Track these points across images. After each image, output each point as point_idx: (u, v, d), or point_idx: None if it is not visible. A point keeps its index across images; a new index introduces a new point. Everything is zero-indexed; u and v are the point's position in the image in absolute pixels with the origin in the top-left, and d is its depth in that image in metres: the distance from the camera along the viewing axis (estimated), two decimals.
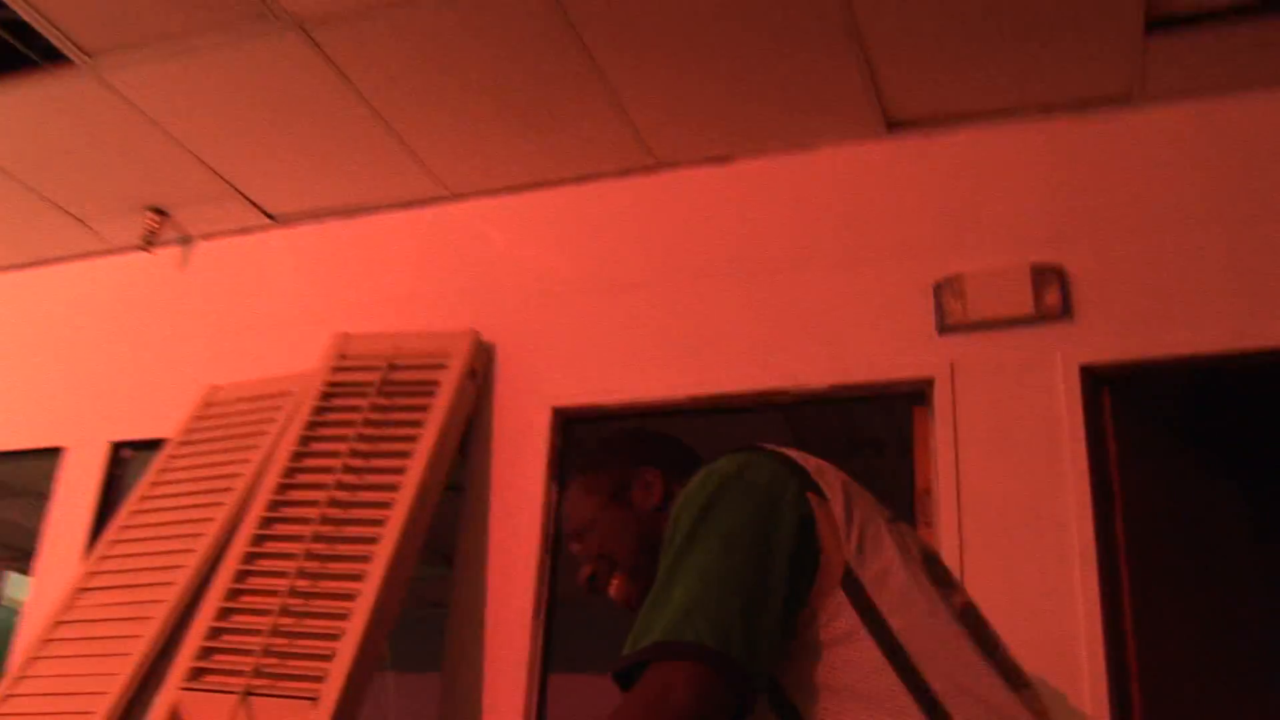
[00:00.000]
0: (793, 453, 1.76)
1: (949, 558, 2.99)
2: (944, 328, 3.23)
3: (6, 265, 4.72)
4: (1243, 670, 3.18)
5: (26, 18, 3.28)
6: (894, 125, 3.47)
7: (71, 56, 3.43)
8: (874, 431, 4.24)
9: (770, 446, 1.79)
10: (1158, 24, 3.04)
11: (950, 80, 3.29)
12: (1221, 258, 3.07)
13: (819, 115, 3.47)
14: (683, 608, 1.51)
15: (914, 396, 3.29)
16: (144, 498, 3.70)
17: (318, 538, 3.22)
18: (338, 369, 3.62)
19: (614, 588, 1.99)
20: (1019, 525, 3.00)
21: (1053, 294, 3.15)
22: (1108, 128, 3.30)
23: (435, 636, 3.48)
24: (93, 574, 3.57)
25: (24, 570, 4.65)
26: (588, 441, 3.56)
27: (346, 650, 2.96)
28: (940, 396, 3.18)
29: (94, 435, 4.18)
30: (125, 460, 4.15)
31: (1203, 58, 3.13)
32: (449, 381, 3.46)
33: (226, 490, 3.53)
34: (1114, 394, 3.11)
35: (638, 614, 1.58)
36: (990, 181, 3.36)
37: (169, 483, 3.71)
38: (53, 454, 4.23)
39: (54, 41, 3.37)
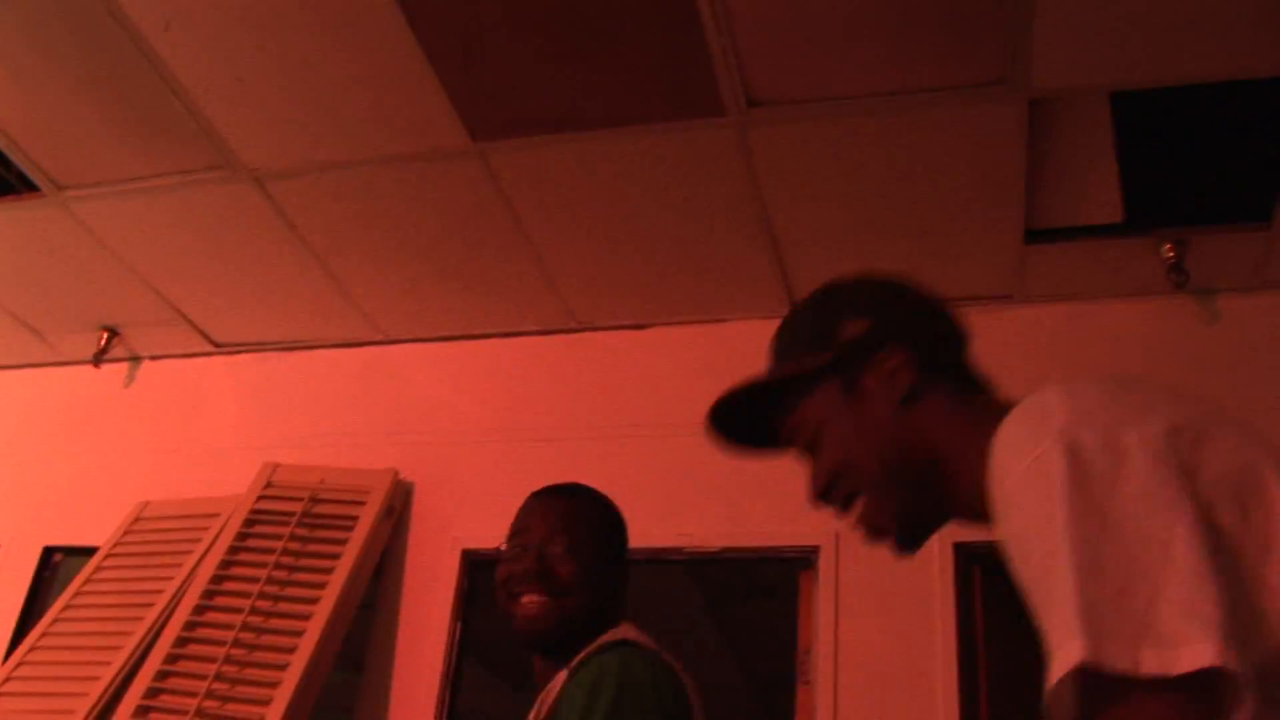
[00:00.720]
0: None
1: (824, 712, 3.13)
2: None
3: None
4: None
5: (3, 148, 3.45)
6: None
7: (41, 186, 3.60)
8: (768, 581, 4.38)
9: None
10: (1035, 234, 3.28)
11: (850, 267, 3.44)
12: None
13: (730, 292, 3.66)
14: None
15: (801, 561, 3.43)
16: (68, 605, 3.77)
17: (230, 659, 3.31)
18: (264, 496, 3.74)
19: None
20: (891, 684, 3.15)
21: None
22: (991, 322, 3.49)
23: (348, 698, 3.58)
24: (9, 678, 3.63)
25: None
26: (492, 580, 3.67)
27: None
28: (825, 563, 3.34)
29: (28, 536, 4.25)
30: (56, 564, 4.22)
31: (1075, 266, 3.39)
32: (367, 517, 3.59)
33: (149, 605, 3.62)
34: (983, 570, 3.28)
35: None
36: None
37: (95, 591, 3.79)
38: None
39: (26, 171, 3.54)
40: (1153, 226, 3.25)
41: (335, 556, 3.49)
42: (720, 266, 3.57)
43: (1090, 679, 0.88)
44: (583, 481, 3.58)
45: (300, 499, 3.67)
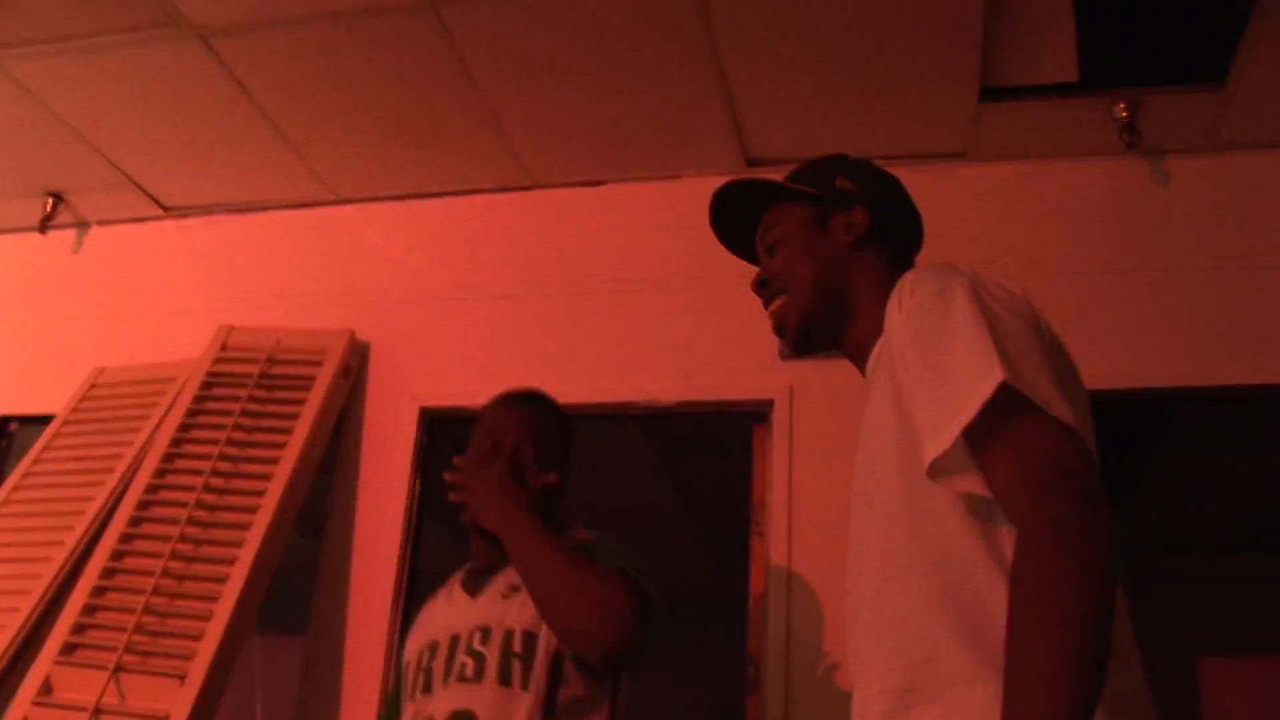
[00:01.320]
0: None
1: (777, 560, 3.18)
2: (784, 354, 3.38)
3: None
4: None
5: None
6: (753, 162, 3.64)
7: None
8: (721, 435, 4.41)
9: None
10: (991, 92, 3.25)
11: (806, 125, 3.47)
12: (1040, 303, 3.25)
13: (685, 148, 3.62)
14: None
15: (755, 415, 3.45)
16: (27, 474, 3.74)
17: (192, 521, 3.30)
18: (220, 360, 3.69)
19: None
20: (843, 532, 3.16)
21: None
22: (943, 180, 3.50)
23: (302, 600, 3.59)
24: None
25: None
26: (452, 437, 3.69)
27: (215, 631, 3.06)
28: (779, 417, 3.35)
29: None
30: (11, 434, 4.18)
31: (1029, 125, 3.36)
32: (324, 377, 3.56)
33: (108, 470, 3.60)
34: None
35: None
36: None
37: (53, 460, 3.76)
38: None
39: None
40: (1107, 86, 3.22)
41: (293, 417, 3.47)
42: (676, 122, 3.51)
43: (1003, 402, 1.26)
44: (536, 337, 3.60)
45: (256, 361, 3.63)
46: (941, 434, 1.31)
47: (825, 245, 1.74)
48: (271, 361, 3.63)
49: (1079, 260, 3.33)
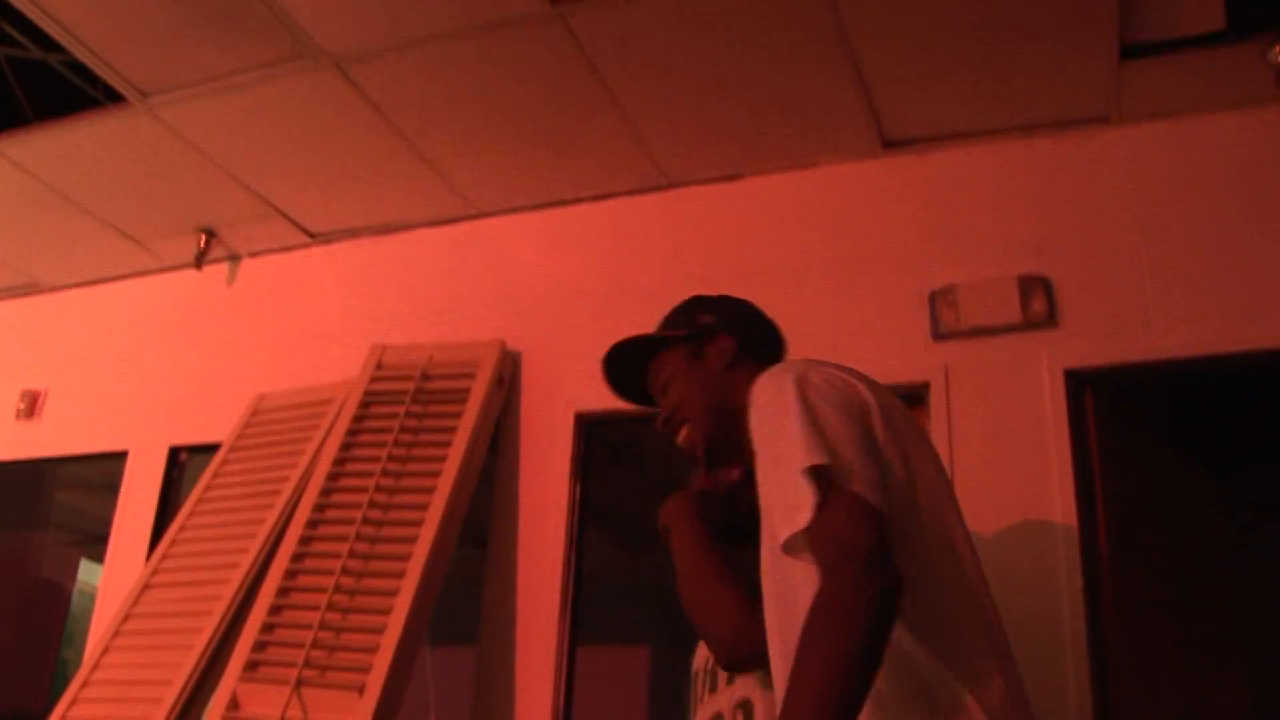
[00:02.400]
0: None
1: None
2: (938, 335, 3.40)
3: (73, 283, 5.03)
4: (1214, 646, 3.32)
5: (87, 62, 3.53)
6: (889, 145, 3.66)
7: (128, 95, 3.67)
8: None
9: None
10: (1132, 50, 3.20)
11: (941, 103, 3.46)
12: (1196, 265, 3.25)
13: (820, 136, 3.64)
14: None
15: (911, 399, 3.45)
16: (200, 500, 3.94)
17: (360, 536, 3.44)
18: (376, 378, 3.84)
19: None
20: (1008, 517, 3.17)
21: (1039, 302, 3.32)
22: (1087, 146, 3.47)
23: (471, 611, 3.70)
24: (156, 571, 3.81)
25: (96, 557, 4.90)
26: (608, 439, 3.76)
27: (389, 642, 3.19)
28: (935, 399, 3.35)
29: (154, 439, 4.46)
30: (182, 463, 4.42)
31: (1174, 81, 3.30)
32: (479, 389, 3.66)
33: (275, 493, 3.77)
34: (1096, 394, 3.28)
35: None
36: (979, 197, 3.54)
37: (222, 485, 3.96)
38: (118, 456, 4.50)
39: (111, 83, 3.61)
40: (1257, 31, 3.13)
41: (451, 430, 3.58)
42: (809, 110, 3.54)
43: (819, 479, 1.59)
44: None
45: (411, 377, 3.76)
46: (792, 521, 1.61)
47: (705, 374, 2.11)
48: (426, 377, 3.76)
49: (1235, 217, 3.25)
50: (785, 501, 1.64)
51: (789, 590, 1.68)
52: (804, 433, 1.65)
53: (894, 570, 1.56)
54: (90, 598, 4.57)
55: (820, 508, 1.59)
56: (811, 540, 1.59)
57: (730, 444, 2.06)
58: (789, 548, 1.63)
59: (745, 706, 2.29)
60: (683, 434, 2.11)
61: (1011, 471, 3.20)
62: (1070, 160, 3.47)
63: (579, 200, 4.06)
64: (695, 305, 2.26)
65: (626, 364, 2.26)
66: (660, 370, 2.19)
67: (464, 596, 3.91)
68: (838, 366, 1.87)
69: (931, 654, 1.63)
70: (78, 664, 3.77)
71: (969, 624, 1.73)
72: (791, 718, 1.47)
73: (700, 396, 2.09)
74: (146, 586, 3.80)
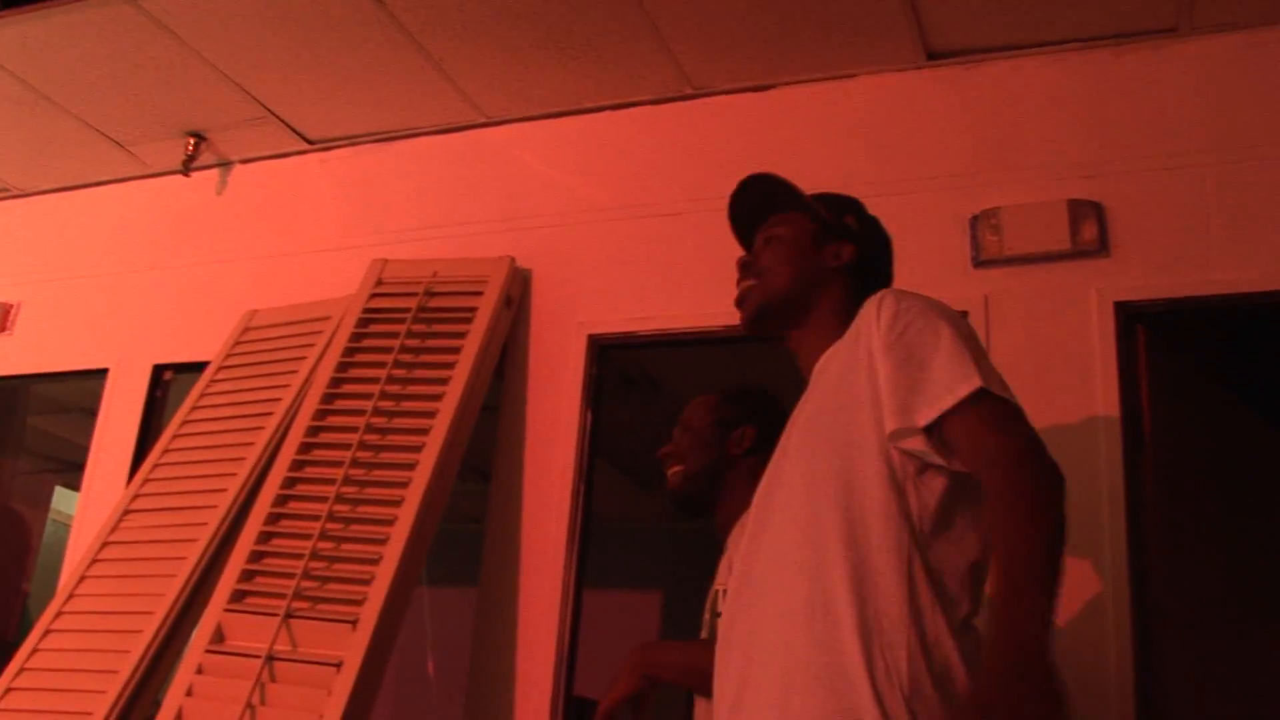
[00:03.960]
0: None
1: None
2: (979, 261, 3.39)
3: (49, 188, 5.02)
4: (1267, 604, 3.34)
5: None
6: (933, 55, 3.62)
7: None
8: None
9: None
10: None
11: (992, 10, 3.42)
12: (1265, 194, 3.20)
13: (859, 44, 3.61)
14: None
15: None
16: (185, 421, 3.96)
17: (356, 463, 3.45)
18: (375, 294, 3.84)
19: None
20: (1052, 453, 3.15)
21: (1089, 229, 3.29)
22: (1151, 59, 3.42)
23: (472, 551, 3.71)
24: (137, 496, 3.84)
25: (71, 485, 4.95)
26: (621, 366, 3.75)
27: (384, 574, 3.21)
28: (974, 329, 3.33)
29: (136, 357, 4.47)
30: (167, 382, 4.43)
31: None
32: (485, 308, 3.66)
33: (266, 414, 3.78)
34: (1148, 331, 3.25)
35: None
36: (1029, 114, 3.50)
37: (210, 406, 3.97)
38: (97, 374, 4.52)
39: None
40: None
41: (455, 351, 3.59)
42: (847, 16, 3.50)
43: (980, 401, 1.79)
44: (708, 256, 3.64)
45: (414, 294, 3.76)
46: (921, 411, 1.82)
47: (812, 261, 2.21)
48: (429, 294, 3.76)
49: None
50: (926, 396, 1.84)
51: (854, 489, 1.86)
52: (969, 352, 1.85)
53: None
54: (65, 527, 4.61)
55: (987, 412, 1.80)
56: (987, 435, 1.79)
57: (778, 324, 2.21)
58: (899, 434, 1.84)
59: None
60: (746, 284, 2.24)
61: (1054, 411, 3.17)
62: (1132, 75, 3.42)
63: (597, 108, 4.03)
64: (847, 205, 2.37)
65: (756, 199, 2.34)
66: (778, 224, 2.29)
67: (464, 535, 3.94)
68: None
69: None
70: (51, 596, 3.81)
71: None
72: (1025, 604, 1.63)
73: (792, 274, 2.20)
74: (126, 512, 3.82)
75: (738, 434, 2.74)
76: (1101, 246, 3.28)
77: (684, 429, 2.82)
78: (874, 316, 1.95)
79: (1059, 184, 3.38)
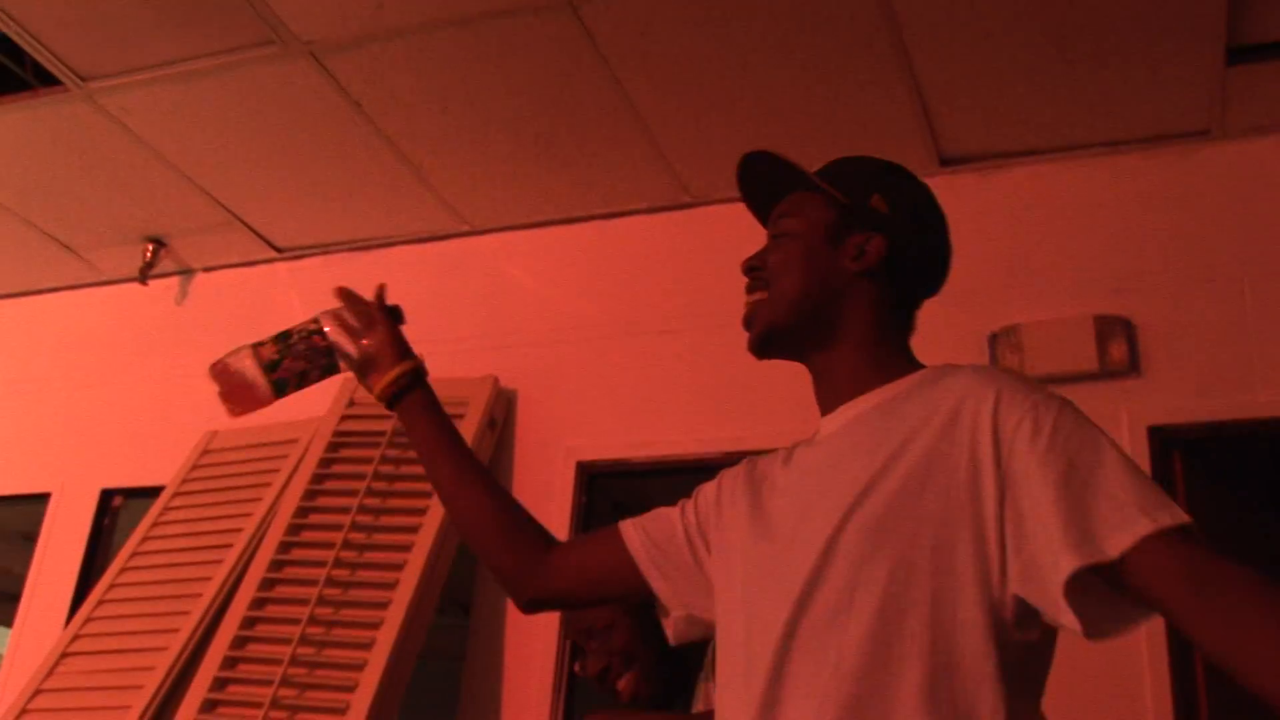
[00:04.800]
0: None
1: None
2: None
3: None
4: None
5: (17, 40, 3.42)
6: (947, 162, 3.59)
7: (63, 79, 3.57)
8: None
9: None
10: (1241, 53, 3.12)
11: (1008, 113, 3.39)
12: None
13: (866, 150, 3.46)
14: None
15: None
16: (135, 552, 3.84)
17: (323, 601, 3.35)
18: (347, 416, 3.76)
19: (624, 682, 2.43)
20: None
21: (1119, 348, 3.24)
22: (1183, 164, 3.39)
23: (450, 690, 3.61)
24: (77, 637, 3.71)
25: (3, 620, 4.79)
26: (612, 494, 3.69)
27: (358, 712, 3.09)
28: None
29: (83, 481, 4.34)
30: (115, 509, 4.31)
31: None
32: (468, 431, 3.58)
33: (226, 546, 3.68)
34: (1186, 456, 3.18)
35: None
36: (1052, 223, 3.46)
37: (164, 535, 3.86)
38: (39, 500, 4.38)
39: (45, 64, 3.52)
40: None
41: None
42: (854, 122, 3.47)
43: (1169, 537, 1.39)
44: (704, 377, 3.57)
45: (388, 416, 3.64)
46: (1118, 540, 1.44)
47: (828, 263, 1.75)
48: None
49: None
50: (1121, 513, 1.48)
51: (905, 607, 1.51)
52: (1152, 487, 1.49)
53: None
54: None
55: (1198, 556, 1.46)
56: (1179, 552, 1.45)
57: (791, 347, 1.77)
58: (1076, 582, 1.45)
59: None
60: (754, 298, 1.80)
61: None
62: (1161, 181, 3.39)
63: (587, 217, 3.98)
64: (878, 180, 1.88)
65: (768, 172, 1.88)
66: (788, 214, 1.83)
67: (441, 671, 3.83)
68: None
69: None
70: None
71: None
72: None
73: (802, 283, 1.75)
74: (64, 655, 3.68)
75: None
76: (1132, 366, 3.23)
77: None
78: (988, 409, 1.55)
79: (1084, 299, 3.33)
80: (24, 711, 3.59)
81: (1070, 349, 3.27)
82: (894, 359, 1.71)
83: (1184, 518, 1.42)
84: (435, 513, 3.43)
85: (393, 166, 3.83)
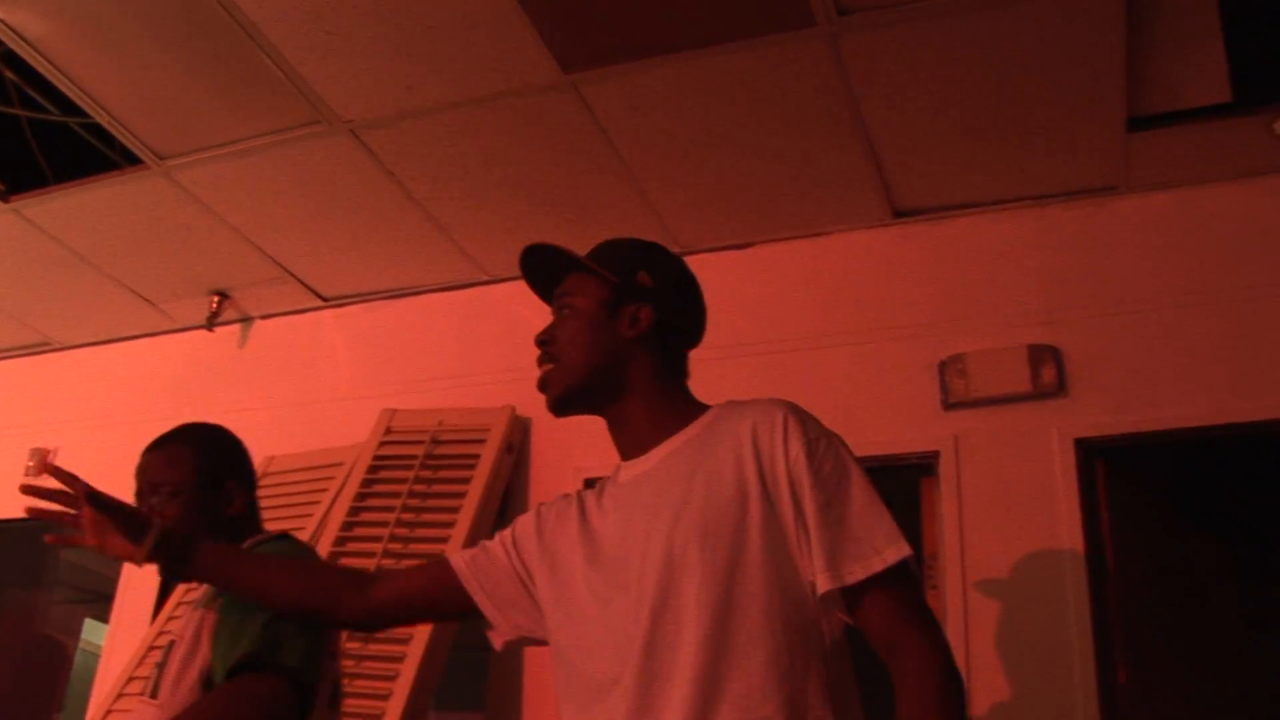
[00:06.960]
0: None
1: (954, 618, 3.15)
2: (948, 404, 3.39)
3: (85, 342, 5.03)
4: (1231, 713, 3.28)
5: (106, 125, 3.54)
6: (900, 214, 3.67)
7: (145, 159, 3.69)
8: (889, 489, 4.36)
9: None
10: (1139, 122, 3.23)
11: (951, 172, 3.47)
12: (1205, 335, 3.25)
13: (831, 204, 3.65)
14: None
15: (921, 468, 3.44)
16: None
17: None
18: (385, 442, 3.84)
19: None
20: (1019, 586, 3.15)
21: (1048, 372, 3.32)
22: (1096, 216, 3.48)
23: (478, 676, 3.68)
24: (161, 633, 3.75)
25: (100, 617, 4.87)
26: None
27: (394, 710, 3.16)
28: (945, 468, 3.34)
29: None
30: None
31: (1181, 152, 3.32)
32: (488, 454, 3.66)
33: None
34: (1106, 464, 3.28)
35: None
36: (989, 266, 3.54)
37: None
38: None
39: (130, 146, 3.63)
40: (1263, 102, 3.15)
41: (460, 495, 3.57)
42: (820, 179, 3.55)
43: (903, 576, 1.62)
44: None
45: (421, 441, 3.75)
46: (853, 572, 1.61)
47: (608, 331, 1.86)
48: (435, 441, 3.75)
49: (1244, 287, 3.26)
50: (853, 557, 1.64)
51: (738, 610, 1.64)
52: (888, 517, 1.68)
53: None
54: (95, 657, 4.53)
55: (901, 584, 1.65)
56: (896, 605, 1.64)
57: (585, 404, 1.89)
58: (830, 596, 1.64)
59: None
60: (546, 368, 1.89)
61: (1022, 541, 3.18)
62: (1079, 230, 3.47)
63: None
64: (642, 258, 1.96)
65: (548, 260, 1.98)
66: (570, 293, 1.92)
67: (471, 663, 3.87)
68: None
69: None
70: None
71: None
72: None
73: (587, 351, 1.86)
74: (152, 648, 3.76)
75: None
76: (1060, 387, 3.31)
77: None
78: (779, 436, 1.70)
79: (1019, 330, 3.41)
80: (121, 695, 3.68)
81: (1007, 373, 3.35)
82: (685, 405, 1.87)
83: (905, 550, 1.63)
84: (463, 525, 3.50)
85: (422, 225, 3.92)
